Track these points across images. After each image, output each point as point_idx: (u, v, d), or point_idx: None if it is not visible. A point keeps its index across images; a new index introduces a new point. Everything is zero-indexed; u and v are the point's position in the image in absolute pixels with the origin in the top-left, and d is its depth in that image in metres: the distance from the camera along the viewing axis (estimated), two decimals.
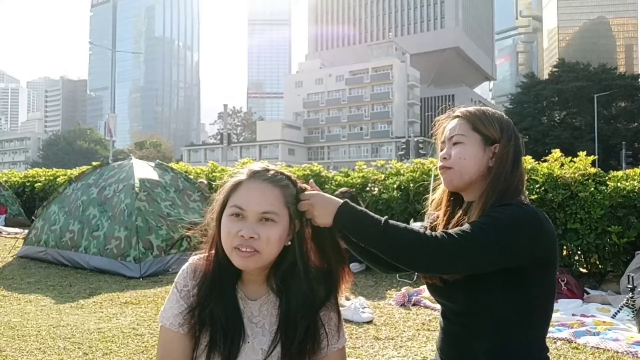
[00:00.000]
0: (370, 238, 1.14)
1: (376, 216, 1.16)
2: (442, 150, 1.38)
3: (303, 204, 1.14)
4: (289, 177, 1.17)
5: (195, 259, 1.20)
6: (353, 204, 1.16)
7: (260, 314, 1.15)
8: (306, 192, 1.16)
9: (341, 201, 1.16)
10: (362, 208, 1.18)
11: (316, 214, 1.14)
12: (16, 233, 8.99)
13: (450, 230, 1.17)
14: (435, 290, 1.34)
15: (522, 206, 1.22)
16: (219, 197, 1.16)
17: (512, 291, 1.19)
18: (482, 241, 1.13)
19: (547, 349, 1.26)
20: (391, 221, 1.15)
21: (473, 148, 1.30)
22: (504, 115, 1.37)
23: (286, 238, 1.12)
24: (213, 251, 1.16)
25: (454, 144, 1.33)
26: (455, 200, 1.39)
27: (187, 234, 5.59)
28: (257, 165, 1.17)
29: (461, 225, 1.21)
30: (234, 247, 1.08)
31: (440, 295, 1.33)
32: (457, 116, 1.37)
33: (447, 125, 1.39)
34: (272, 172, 1.15)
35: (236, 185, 1.13)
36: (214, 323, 1.10)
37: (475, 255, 1.13)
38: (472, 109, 1.37)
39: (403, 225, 1.15)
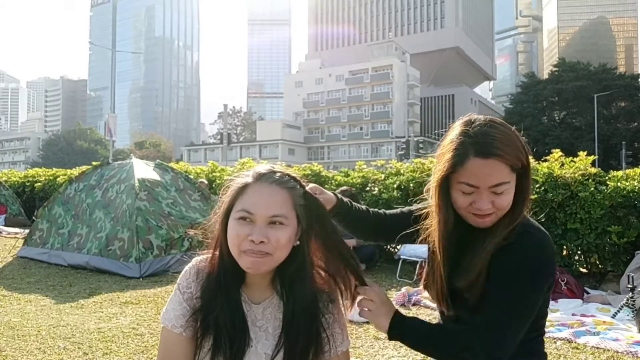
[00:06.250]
0: (424, 348, 1.23)
1: (428, 324, 1.22)
2: (468, 192, 1.17)
3: (361, 306, 1.23)
4: (294, 178, 1.15)
5: (199, 260, 1.18)
6: (403, 315, 1.24)
7: (263, 318, 1.14)
8: (361, 288, 1.23)
9: (394, 308, 1.22)
10: (413, 316, 1.24)
11: (372, 319, 1.23)
12: (16, 233, 8.99)
13: (488, 333, 1.14)
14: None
15: (533, 247, 1.18)
16: (224, 200, 1.14)
17: None
18: (517, 323, 1.16)
19: (543, 344, 1.32)
20: (442, 331, 1.23)
21: (513, 188, 1.18)
22: (517, 132, 1.21)
23: (294, 238, 1.11)
24: (217, 253, 1.14)
25: (498, 193, 1.16)
26: (457, 222, 1.26)
27: (189, 232, 5.60)
28: (263, 168, 1.15)
29: (477, 255, 1.19)
30: (242, 250, 1.07)
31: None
32: (493, 156, 1.13)
33: (471, 161, 1.14)
34: (278, 174, 1.13)
35: (242, 189, 1.11)
36: (219, 329, 1.09)
37: (518, 336, 1.17)
38: (503, 139, 1.15)
39: (452, 329, 1.21)
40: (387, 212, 1.54)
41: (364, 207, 1.51)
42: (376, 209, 1.53)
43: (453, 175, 1.17)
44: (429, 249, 1.35)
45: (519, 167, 1.16)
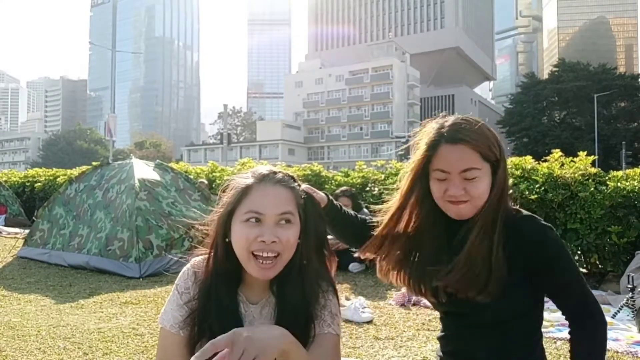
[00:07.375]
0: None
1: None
2: (441, 179, 1.21)
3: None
4: (294, 178, 1.16)
5: (197, 260, 1.18)
6: None
7: (261, 317, 1.15)
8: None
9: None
10: None
11: None
12: (16, 233, 8.98)
13: (595, 305, 1.27)
14: (455, 307, 1.30)
15: (547, 226, 1.24)
16: (225, 202, 1.13)
17: (535, 300, 1.32)
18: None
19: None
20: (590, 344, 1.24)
21: (487, 178, 1.21)
22: (490, 127, 1.27)
23: (297, 237, 1.12)
24: (213, 254, 1.14)
25: (469, 179, 1.19)
26: (438, 217, 1.28)
27: (189, 233, 5.59)
28: (263, 168, 1.15)
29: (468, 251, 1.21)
30: (251, 251, 1.06)
31: (459, 309, 1.30)
32: (461, 141, 1.20)
33: (442, 147, 1.21)
34: (280, 174, 1.14)
35: (245, 190, 1.10)
36: (214, 335, 1.07)
37: None
38: (472, 128, 1.22)
39: (583, 336, 1.28)
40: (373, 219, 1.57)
41: (352, 212, 1.54)
42: (363, 216, 1.56)
43: (429, 165, 1.24)
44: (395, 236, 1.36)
45: (493, 159, 1.21)
